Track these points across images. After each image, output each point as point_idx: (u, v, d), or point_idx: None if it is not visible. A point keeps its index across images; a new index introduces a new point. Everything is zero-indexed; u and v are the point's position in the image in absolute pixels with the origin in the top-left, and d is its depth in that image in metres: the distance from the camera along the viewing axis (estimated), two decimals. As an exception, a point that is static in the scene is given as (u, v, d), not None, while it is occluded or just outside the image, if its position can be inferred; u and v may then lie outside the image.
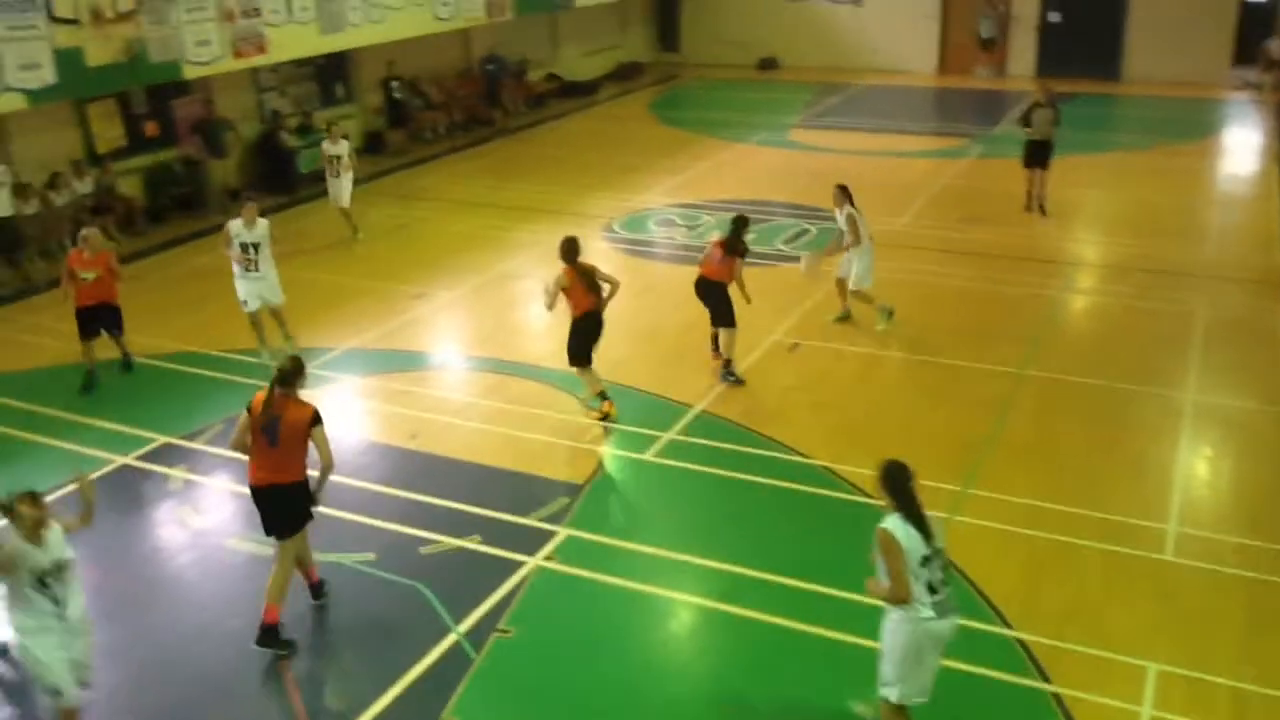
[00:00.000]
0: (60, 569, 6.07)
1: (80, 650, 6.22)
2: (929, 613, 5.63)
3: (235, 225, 11.69)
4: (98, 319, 11.45)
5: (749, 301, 11.18)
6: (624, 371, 11.54)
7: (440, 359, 12.47)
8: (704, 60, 32.55)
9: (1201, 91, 26.65)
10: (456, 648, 7.32)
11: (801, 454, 9.82)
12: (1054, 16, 28.96)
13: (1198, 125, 23.83)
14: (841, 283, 12.54)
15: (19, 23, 14.11)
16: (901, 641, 5.76)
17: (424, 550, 8.48)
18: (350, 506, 9.13)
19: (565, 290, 10.12)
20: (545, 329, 13.43)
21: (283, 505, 7.37)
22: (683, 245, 15.99)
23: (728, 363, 11.30)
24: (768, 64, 31.92)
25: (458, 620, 7.57)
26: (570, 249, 10.25)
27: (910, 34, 30.27)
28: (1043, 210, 16.79)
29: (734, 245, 11.11)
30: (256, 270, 11.74)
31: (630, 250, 15.96)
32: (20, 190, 14.72)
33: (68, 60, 14.66)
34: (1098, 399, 10.85)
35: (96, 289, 11.29)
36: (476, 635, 7.43)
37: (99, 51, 15.04)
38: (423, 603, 7.81)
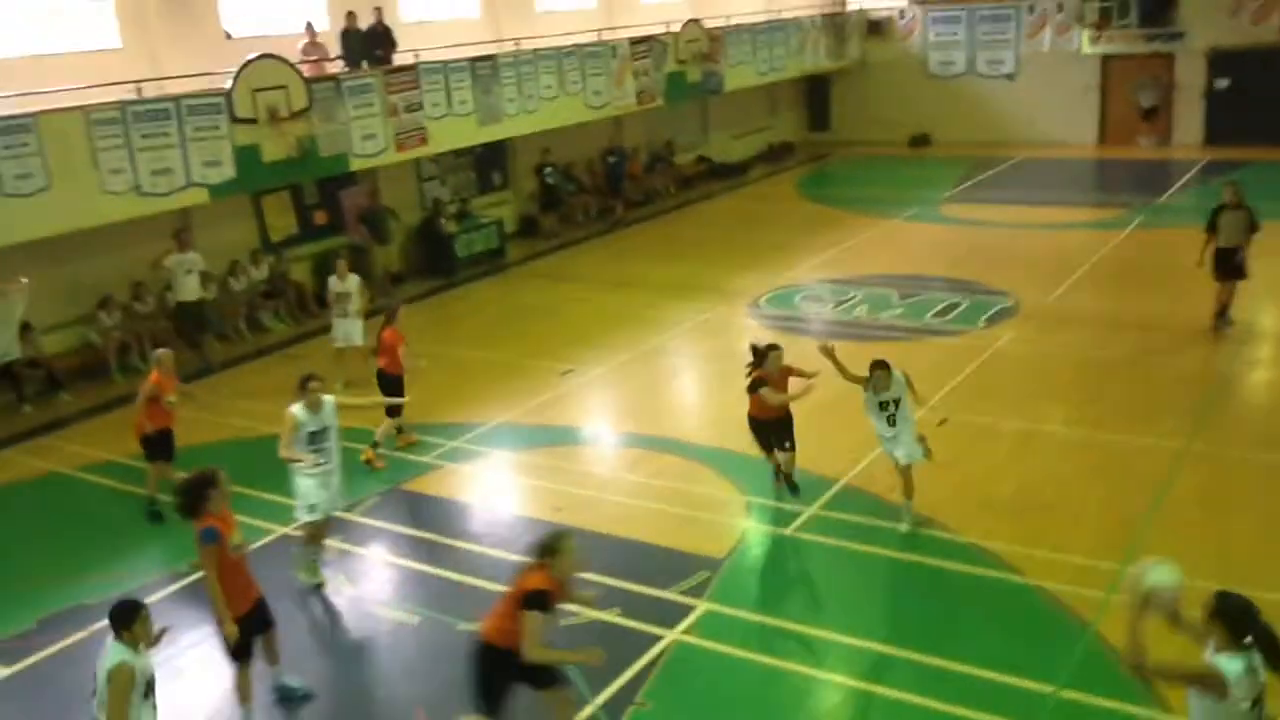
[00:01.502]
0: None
1: None
2: None
3: (300, 411, 9.00)
4: (167, 443, 10.85)
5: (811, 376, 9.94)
6: (767, 446, 11.50)
7: (586, 434, 12.66)
8: (855, 139, 32.58)
9: (1387, 154, 25.19)
10: (593, 719, 7.33)
11: (949, 530, 9.55)
12: (1221, 83, 27.97)
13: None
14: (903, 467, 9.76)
15: (204, 124, 15.25)
16: None
17: (564, 622, 8.54)
18: (495, 577, 9.29)
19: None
20: (690, 404, 13.55)
21: None
22: (829, 321, 15.94)
23: (789, 476, 10.28)
24: (920, 141, 31.74)
25: (595, 692, 7.58)
26: (390, 314, 12.12)
27: (1068, 106, 29.62)
28: (1224, 319, 14.22)
29: (753, 384, 10.04)
30: (328, 463, 9.18)
31: (776, 325, 15.96)
32: (203, 277, 15.72)
33: (246, 157, 15.74)
34: (1269, 476, 10.24)
35: (172, 414, 10.79)
36: (613, 707, 7.43)
37: (274, 148, 16.09)
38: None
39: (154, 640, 6.33)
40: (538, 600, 6.27)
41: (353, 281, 14.08)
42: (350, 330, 14.24)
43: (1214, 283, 14.29)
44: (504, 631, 6.40)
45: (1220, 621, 4.84)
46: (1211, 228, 14.13)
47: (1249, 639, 4.77)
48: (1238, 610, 4.83)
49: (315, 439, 8.97)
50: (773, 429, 10.18)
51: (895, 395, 9.52)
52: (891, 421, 9.55)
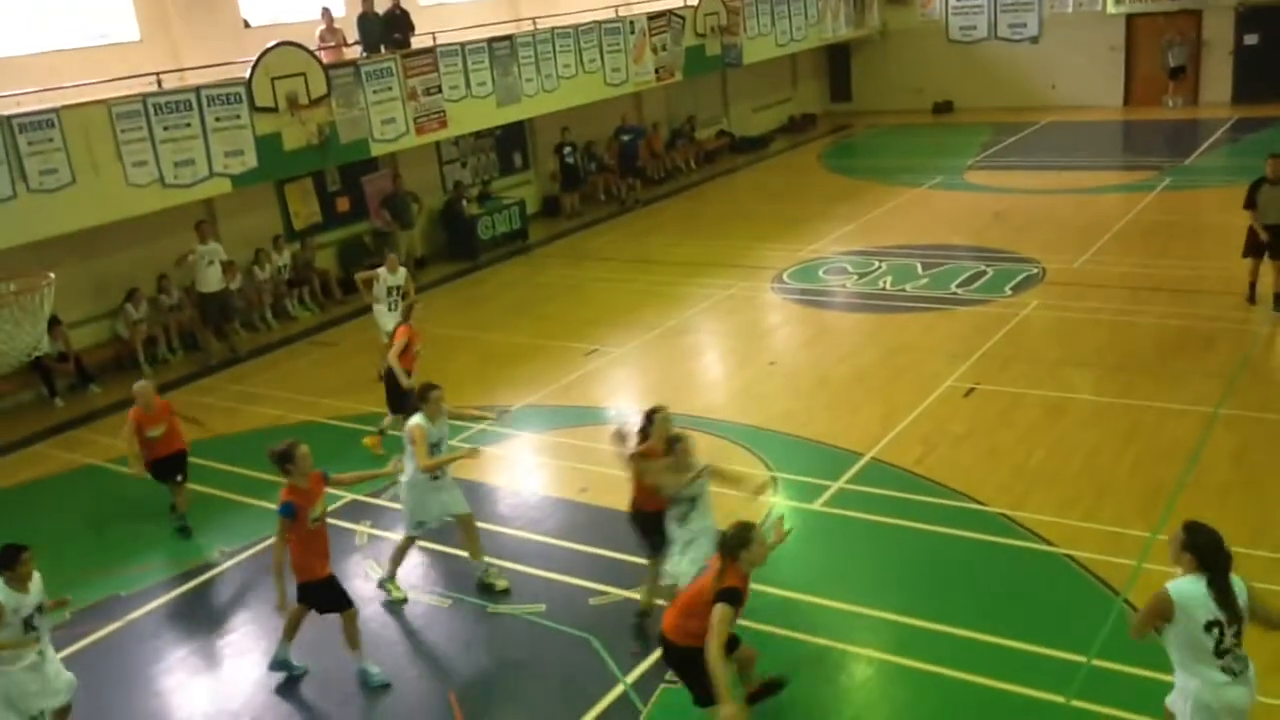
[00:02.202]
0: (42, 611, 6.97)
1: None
2: (1222, 677, 5.27)
3: (424, 421, 8.55)
4: (172, 467, 10.57)
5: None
6: (793, 420, 11.47)
7: (612, 413, 12.65)
8: (877, 108, 32.28)
9: None
10: (624, 698, 7.36)
11: (978, 501, 9.50)
12: (1251, 39, 27.47)
13: None
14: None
15: (225, 114, 15.27)
16: (1190, 707, 5.40)
17: (593, 601, 8.59)
18: (522, 558, 9.35)
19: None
20: (715, 381, 13.52)
21: None
22: (853, 293, 15.85)
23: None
24: (942, 108, 31.42)
25: (625, 671, 7.61)
26: (406, 311, 11.55)
27: (1092, 68, 29.21)
28: (1278, 302, 13.24)
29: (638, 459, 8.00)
30: (445, 474, 8.76)
31: (799, 300, 15.90)
32: (226, 267, 15.79)
33: (267, 145, 15.76)
34: (1305, 438, 10.13)
35: (167, 442, 10.40)
36: (644, 685, 7.44)
37: (294, 135, 16.09)
38: (591, 653, 7.90)
39: (56, 604, 7.25)
40: (733, 596, 6.09)
41: (403, 274, 13.64)
42: (391, 322, 13.70)
43: (1243, 258, 13.49)
44: (684, 630, 6.28)
45: (1190, 552, 5.33)
46: (1250, 204, 13.21)
47: (1212, 565, 5.26)
48: (1207, 544, 5.31)
49: (433, 450, 8.60)
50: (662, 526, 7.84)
51: (696, 490, 7.58)
52: (684, 519, 7.62)
